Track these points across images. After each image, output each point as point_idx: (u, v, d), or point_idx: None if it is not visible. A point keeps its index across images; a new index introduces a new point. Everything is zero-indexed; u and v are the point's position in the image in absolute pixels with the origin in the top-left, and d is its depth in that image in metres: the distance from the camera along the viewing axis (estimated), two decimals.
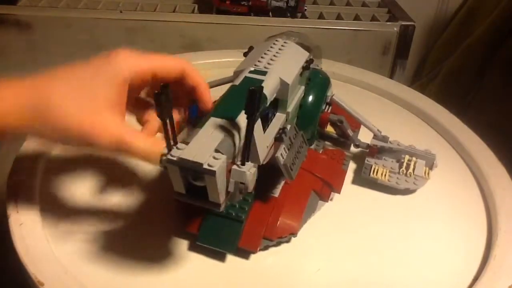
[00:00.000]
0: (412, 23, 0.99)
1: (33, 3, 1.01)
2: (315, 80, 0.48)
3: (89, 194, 0.47)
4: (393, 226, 0.47)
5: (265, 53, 0.44)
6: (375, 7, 1.10)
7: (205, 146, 0.32)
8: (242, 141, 0.34)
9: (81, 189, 0.48)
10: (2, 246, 0.41)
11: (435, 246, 0.45)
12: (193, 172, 0.31)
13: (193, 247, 0.43)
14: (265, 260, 0.43)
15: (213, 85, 0.54)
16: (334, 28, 0.97)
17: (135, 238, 0.43)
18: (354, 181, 0.52)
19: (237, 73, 0.42)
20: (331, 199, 0.48)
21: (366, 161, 0.51)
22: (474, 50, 1.15)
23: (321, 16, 1.07)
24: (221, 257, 0.42)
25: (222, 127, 0.34)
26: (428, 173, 0.50)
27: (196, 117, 0.41)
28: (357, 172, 0.53)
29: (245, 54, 0.46)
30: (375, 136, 0.52)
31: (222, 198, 0.33)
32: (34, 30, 0.93)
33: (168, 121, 0.32)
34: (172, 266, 0.41)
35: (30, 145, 0.51)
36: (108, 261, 0.41)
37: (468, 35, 1.19)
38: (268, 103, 0.39)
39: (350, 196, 0.50)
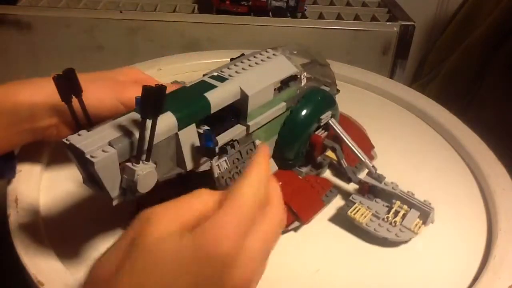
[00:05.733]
0: (412, 23, 0.99)
1: (33, 3, 1.01)
2: (309, 98, 0.46)
3: (90, 194, 0.47)
4: None
5: (242, 61, 0.43)
6: (375, 7, 1.11)
7: (100, 137, 0.32)
8: (150, 141, 0.33)
9: (81, 189, 0.48)
10: (2, 246, 0.41)
11: (435, 246, 0.45)
12: (79, 159, 0.32)
13: None
14: None
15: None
16: (334, 28, 0.97)
17: None
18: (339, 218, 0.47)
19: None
20: (293, 229, 0.45)
21: (350, 198, 0.46)
22: (474, 50, 1.15)
23: (321, 16, 1.07)
24: None
25: (133, 123, 0.33)
26: (419, 228, 0.44)
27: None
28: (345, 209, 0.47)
29: (232, 60, 0.45)
30: (369, 173, 0.47)
31: (112, 192, 0.33)
32: (34, 30, 0.93)
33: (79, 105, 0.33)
34: None
35: (30, 145, 0.51)
36: None
37: (468, 35, 1.19)
38: (212, 111, 0.38)
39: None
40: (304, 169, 0.48)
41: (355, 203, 0.46)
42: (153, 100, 0.31)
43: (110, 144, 0.32)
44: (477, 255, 0.44)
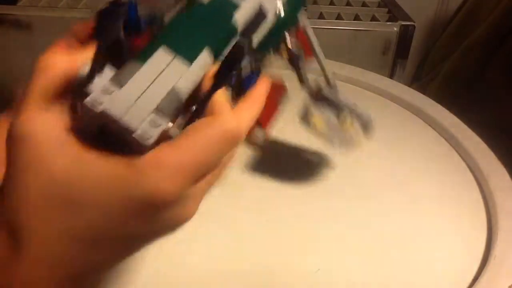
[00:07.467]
0: (412, 23, 0.99)
1: (33, 3, 1.01)
2: None
3: None
4: (393, 226, 0.47)
5: None
6: (375, 7, 1.11)
7: (143, 99, 0.22)
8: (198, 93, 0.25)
9: None
10: None
11: (435, 246, 0.45)
12: (117, 131, 0.22)
13: (194, 249, 0.43)
14: (264, 260, 0.43)
15: None
16: (334, 28, 0.97)
17: None
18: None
19: None
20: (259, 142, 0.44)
21: (307, 105, 0.47)
22: (474, 50, 1.15)
23: (321, 16, 1.07)
24: (219, 258, 0.42)
25: (173, 68, 0.24)
26: (363, 136, 0.47)
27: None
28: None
29: None
30: (326, 82, 0.47)
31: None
32: (34, 30, 0.93)
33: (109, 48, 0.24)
34: (173, 267, 0.41)
35: None
36: None
37: (468, 35, 1.19)
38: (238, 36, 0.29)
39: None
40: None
41: (311, 110, 0.46)
42: (240, 56, 0.24)
43: (158, 109, 0.23)
44: (477, 255, 0.44)
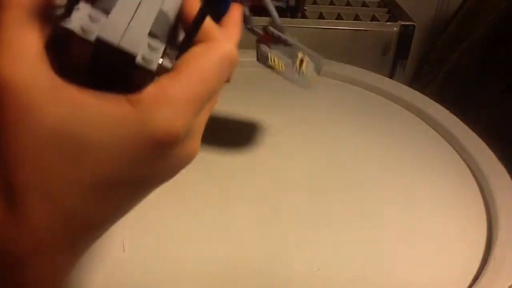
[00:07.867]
0: (412, 23, 0.99)
1: None
2: None
3: None
4: (392, 226, 0.47)
5: None
6: (375, 7, 1.11)
7: (135, 23, 0.21)
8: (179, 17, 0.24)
9: None
10: None
11: (435, 246, 0.45)
12: (114, 61, 0.21)
13: (192, 249, 0.43)
14: (264, 260, 0.43)
15: None
16: (334, 28, 0.97)
17: (134, 235, 0.43)
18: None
19: None
20: None
21: (262, 48, 0.47)
22: (474, 50, 1.15)
23: (321, 16, 1.07)
24: (219, 257, 0.42)
25: None
26: (316, 75, 0.48)
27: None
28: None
29: None
30: (274, 24, 0.47)
31: None
32: None
33: None
34: (177, 264, 0.41)
35: None
36: (107, 257, 0.41)
37: (468, 35, 1.19)
38: None
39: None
40: None
41: (267, 53, 0.46)
42: None
43: (152, 34, 0.22)
44: (477, 255, 0.44)
